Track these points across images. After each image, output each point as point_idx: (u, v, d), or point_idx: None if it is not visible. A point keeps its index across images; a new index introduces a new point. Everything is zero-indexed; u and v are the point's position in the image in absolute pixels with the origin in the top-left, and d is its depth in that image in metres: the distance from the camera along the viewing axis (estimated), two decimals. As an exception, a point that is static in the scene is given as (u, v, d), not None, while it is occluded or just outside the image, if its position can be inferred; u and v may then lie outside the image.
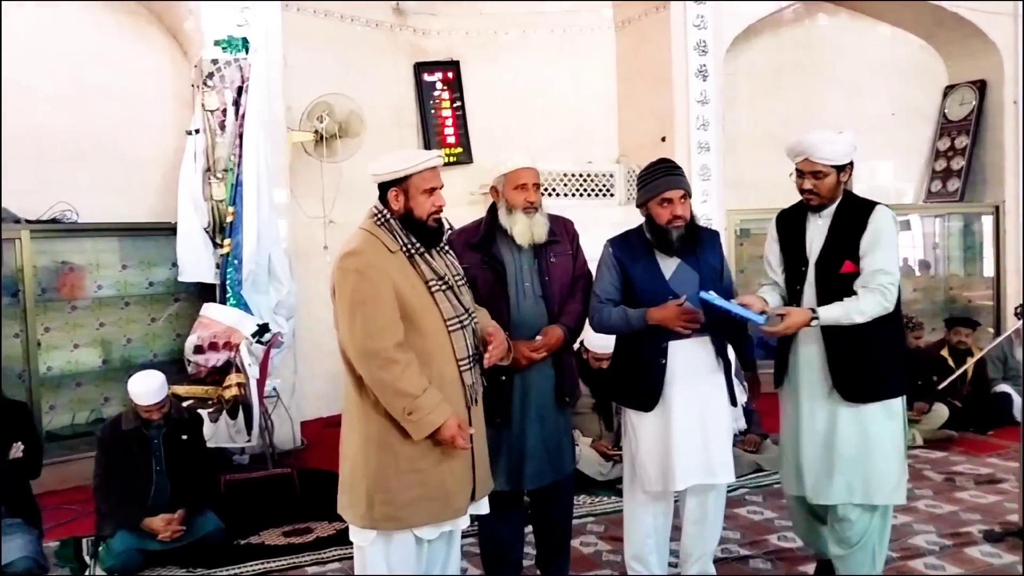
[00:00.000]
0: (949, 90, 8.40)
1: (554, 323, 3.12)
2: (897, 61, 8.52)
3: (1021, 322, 3.90)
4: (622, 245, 3.22)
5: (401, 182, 2.67)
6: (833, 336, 3.00)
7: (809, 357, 3.10)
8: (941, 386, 5.11)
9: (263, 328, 5.08)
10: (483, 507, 2.86)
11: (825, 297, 3.01)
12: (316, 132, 6.21)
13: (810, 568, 3.57)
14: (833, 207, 3.14)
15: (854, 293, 2.98)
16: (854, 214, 3.10)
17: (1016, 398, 5.97)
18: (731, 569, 3.61)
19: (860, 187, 8.40)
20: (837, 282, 3.02)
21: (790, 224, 3.25)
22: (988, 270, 8.26)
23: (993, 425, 5.94)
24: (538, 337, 3.08)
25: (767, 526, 4.16)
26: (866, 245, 3.02)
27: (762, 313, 2.97)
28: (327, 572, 3.71)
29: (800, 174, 3.11)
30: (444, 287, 2.69)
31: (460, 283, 2.78)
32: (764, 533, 4.05)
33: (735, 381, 5.32)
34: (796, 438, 3.14)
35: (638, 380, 3.10)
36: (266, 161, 5.41)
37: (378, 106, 7.17)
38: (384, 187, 2.70)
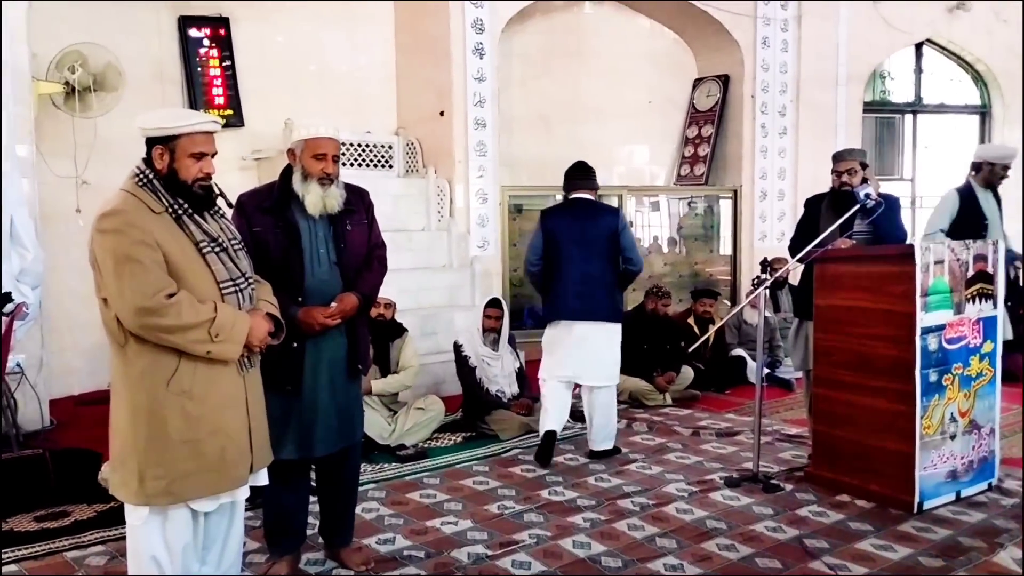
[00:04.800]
0: (698, 83, 9.21)
1: (349, 291, 3.12)
2: (654, 53, 9.21)
3: (757, 291, 4.38)
4: None
5: (168, 140, 2.56)
6: None
7: None
8: (690, 350, 5.66)
9: (5, 298, 4.61)
10: (262, 478, 2.82)
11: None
12: (67, 84, 5.67)
13: (578, 519, 3.86)
14: None
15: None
16: None
17: (749, 361, 6.72)
18: (506, 525, 3.80)
19: (619, 170, 9.06)
20: None
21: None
22: (725, 248, 9.19)
23: (730, 384, 6.68)
24: (333, 304, 3.06)
25: (539, 482, 4.42)
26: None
27: None
28: (90, 555, 3.47)
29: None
30: (217, 249, 2.61)
31: (236, 247, 2.71)
32: (536, 488, 4.31)
33: (508, 348, 5.61)
34: None
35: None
36: (7, 113, 4.87)
37: (137, 59, 6.66)
38: (150, 143, 2.58)
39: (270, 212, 3.06)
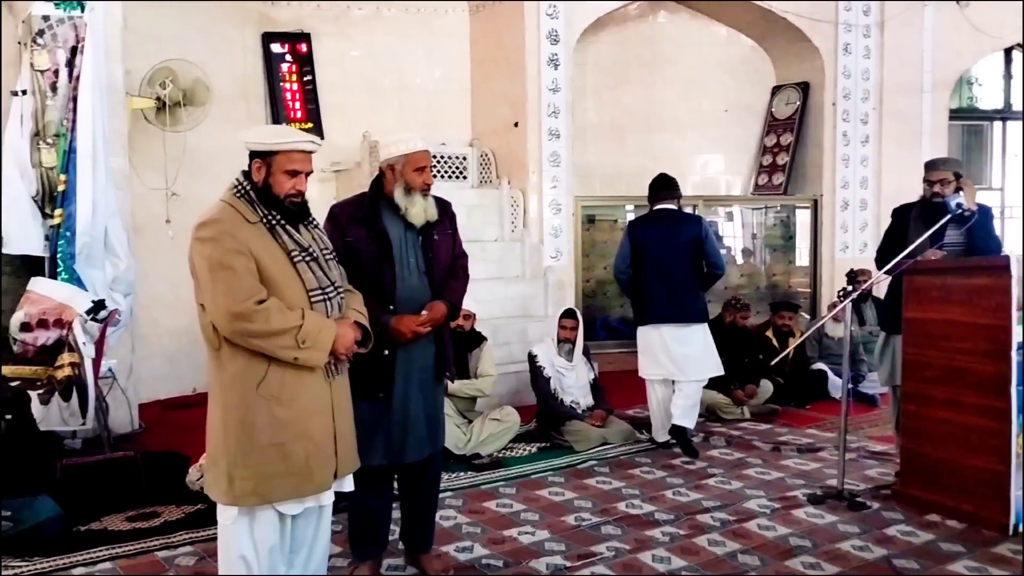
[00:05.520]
0: (776, 90, 9.04)
1: (437, 299, 3.17)
2: (731, 60, 9.09)
3: (843, 303, 4.26)
4: None
5: (266, 156, 2.67)
6: None
7: None
8: (772, 363, 5.55)
9: (99, 305, 4.78)
10: (347, 484, 2.86)
11: None
12: (158, 99, 5.89)
13: (657, 532, 3.81)
14: None
15: None
16: None
17: (831, 375, 6.55)
18: (584, 537, 3.78)
19: (694, 179, 8.96)
20: None
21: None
22: (803, 259, 8.99)
23: (811, 399, 6.50)
24: (424, 312, 3.11)
25: (615, 495, 4.38)
26: None
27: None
28: (179, 555, 3.57)
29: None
30: (308, 258, 2.69)
31: (328, 256, 2.78)
32: (613, 501, 4.27)
33: (583, 359, 5.59)
34: None
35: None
36: (103, 127, 5.07)
37: (223, 75, 6.88)
38: (251, 156, 2.69)
39: (362, 223, 3.13)
